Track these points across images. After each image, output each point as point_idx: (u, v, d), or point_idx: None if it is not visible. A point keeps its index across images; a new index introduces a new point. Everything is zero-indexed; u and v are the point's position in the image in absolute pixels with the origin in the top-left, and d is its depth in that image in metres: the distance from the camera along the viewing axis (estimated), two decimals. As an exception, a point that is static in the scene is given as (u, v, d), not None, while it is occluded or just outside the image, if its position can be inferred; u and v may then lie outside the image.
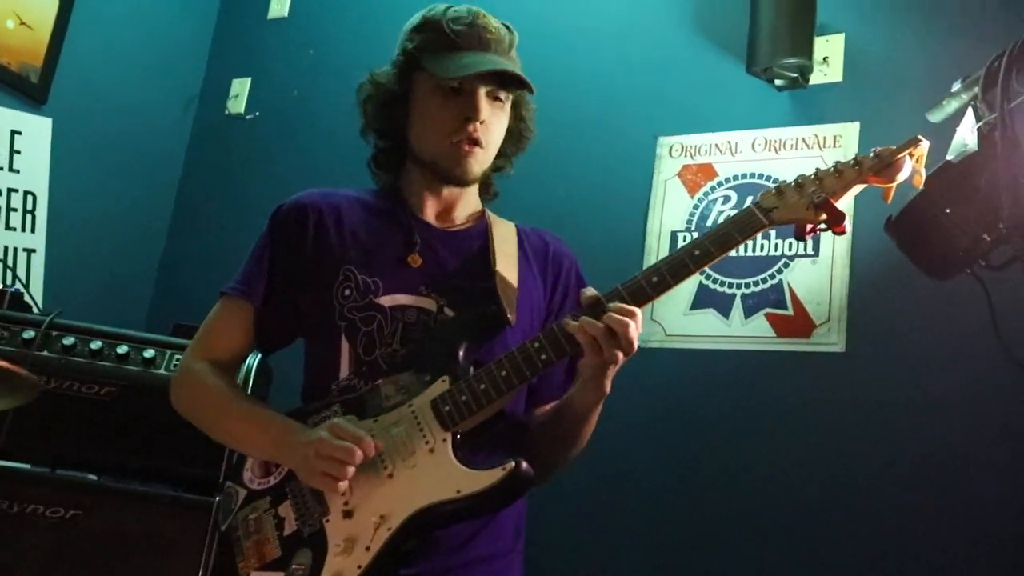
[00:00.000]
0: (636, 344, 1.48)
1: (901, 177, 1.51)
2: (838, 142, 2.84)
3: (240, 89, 3.94)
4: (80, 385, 2.31)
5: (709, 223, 2.95)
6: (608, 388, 1.56)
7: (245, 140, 3.88)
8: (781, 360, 2.75)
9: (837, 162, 1.54)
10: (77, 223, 3.50)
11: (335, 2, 3.89)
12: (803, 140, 2.90)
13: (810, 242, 2.80)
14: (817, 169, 1.55)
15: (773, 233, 2.87)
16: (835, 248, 2.76)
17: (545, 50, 3.30)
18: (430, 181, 1.74)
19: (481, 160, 1.71)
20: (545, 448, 1.68)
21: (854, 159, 1.53)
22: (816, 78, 2.91)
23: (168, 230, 3.90)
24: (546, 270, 1.78)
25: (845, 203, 1.52)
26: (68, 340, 2.34)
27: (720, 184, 2.98)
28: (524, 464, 1.47)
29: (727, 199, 2.95)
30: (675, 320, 2.92)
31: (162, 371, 2.34)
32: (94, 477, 2.33)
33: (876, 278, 2.67)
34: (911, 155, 1.51)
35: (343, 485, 1.49)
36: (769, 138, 2.95)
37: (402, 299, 1.65)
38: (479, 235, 1.76)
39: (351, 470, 1.48)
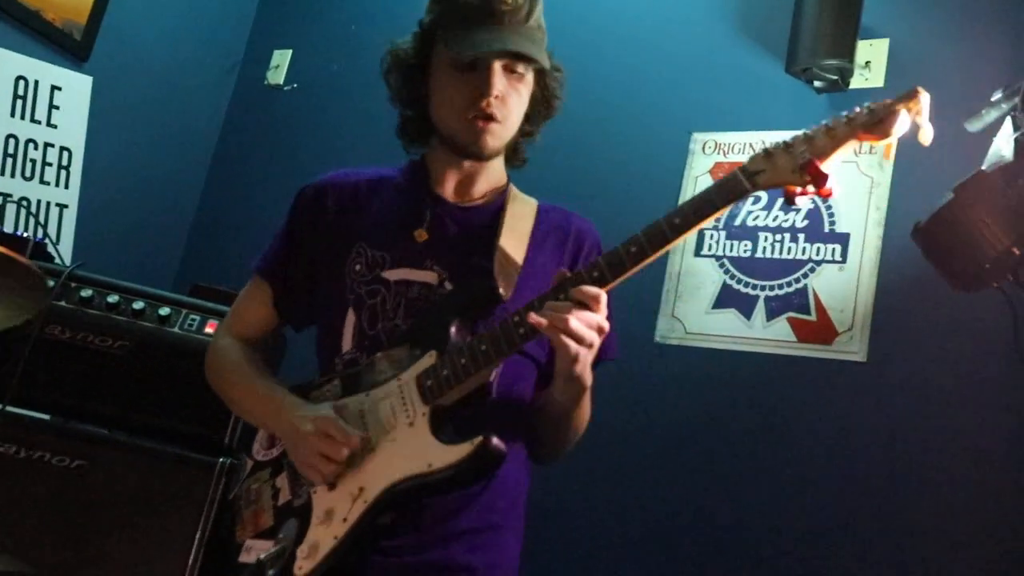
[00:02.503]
0: (604, 325, 1.45)
1: (898, 132, 1.41)
2: (874, 148, 2.79)
3: (281, 60, 3.96)
4: (94, 337, 2.33)
5: (737, 223, 2.92)
6: (589, 378, 1.54)
7: (282, 111, 3.89)
8: (800, 365, 2.71)
9: (829, 119, 1.43)
10: (111, 182, 3.53)
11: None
12: (839, 144, 2.84)
13: (839, 248, 2.76)
14: (807, 130, 1.45)
15: (802, 237, 2.83)
16: (863, 255, 2.71)
17: (585, 37, 3.28)
18: (450, 154, 1.73)
19: (498, 134, 1.67)
20: (548, 429, 1.67)
21: (846, 115, 1.42)
22: (856, 82, 2.86)
23: (201, 195, 3.94)
24: (564, 248, 1.75)
25: (835, 162, 1.42)
26: (86, 292, 2.36)
27: (751, 183, 2.93)
28: (494, 440, 1.45)
29: (757, 199, 2.91)
30: (696, 318, 2.89)
31: (176, 329, 2.35)
32: (103, 430, 2.35)
33: (902, 287, 2.62)
34: (908, 108, 1.41)
35: (329, 477, 1.53)
36: (804, 140, 2.90)
37: (407, 273, 1.66)
38: (492, 211, 1.74)
39: (336, 467, 1.52)
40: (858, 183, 2.78)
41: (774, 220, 2.87)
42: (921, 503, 2.45)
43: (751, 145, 2.98)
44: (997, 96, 2.15)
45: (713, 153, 3.03)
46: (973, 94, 2.31)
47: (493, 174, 1.77)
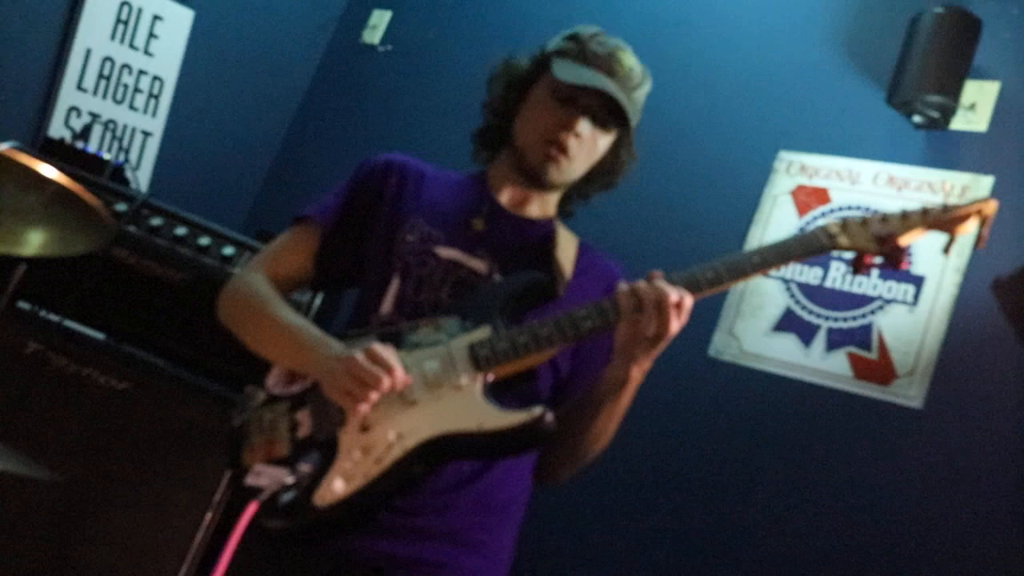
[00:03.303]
0: (674, 328, 1.51)
1: (964, 233, 1.56)
2: (966, 193, 2.70)
3: (379, 20, 3.96)
4: (157, 267, 2.37)
5: (811, 248, 2.84)
6: (637, 375, 1.59)
7: (374, 71, 3.90)
8: (854, 403, 2.63)
9: (904, 209, 1.60)
10: (197, 118, 3.59)
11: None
12: (929, 184, 2.76)
13: (912, 289, 2.68)
14: (885, 213, 1.61)
15: (875, 272, 2.75)
16: (936, 300, 2.63)
17: (688, 37, 3.23)
18: (515, 170, 1.78)
19: (564, 169, 1.73)
20: (567, 442, 1.66)
21: (923, 207, 1.59)
22: (958, 123, 2.76)
23: (281, 144, 3.97)
24: (597, 288, 1.75)
25: (910, 242, 1.57)
26: (156, 221, 2.40)
27: (832, 211, 2.87)
28: (551, 415, 1.47)
29: (836, 227, 2.83)
30: (755, 338, 2.83)
31: (237, 270, 2.38)
32: (153, 357, 2.39)
33: (971, 339, 2.53)
34: (979, 215, 1.56)
35: (364, 408, 1.49)
36: (893, 174, 2.82)
37: (458, 255, 1.70)
38: (542, 229, 1.79)
39: (375, 396, 1.48)
40: (943, 226, 2.69)
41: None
42: (955, 564, 2.38)
43: (837, 172, 2.90)
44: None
45: (797, 175, 2.96)
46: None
47: (548, 204, 1.83)
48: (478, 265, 1.70)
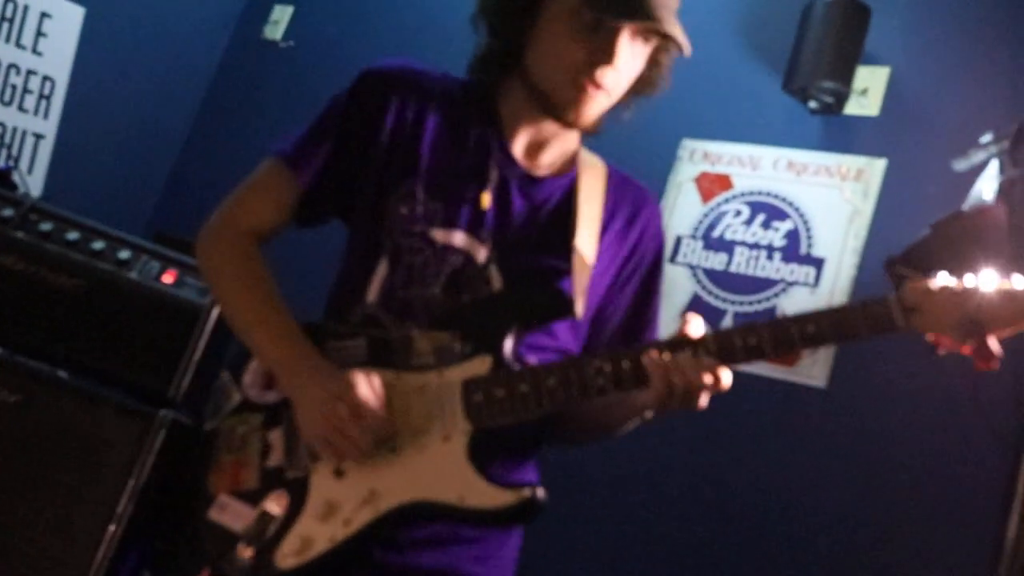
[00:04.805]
0: (704, 403, 1.33)
1: None
2: (861, 176, 2.77)
3: (281, 16, 3.90)
4: (48, 273, 2.28)
5: (715, 233, 2.89)
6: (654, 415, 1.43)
7: (276, 67, 3.84)
8: (760, 384, 2.68)
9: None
10: (93, 119, 3.48)
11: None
12: (826, 168, 2.82)
13: (813, 271, 2.74)
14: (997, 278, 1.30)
15: (778, 256, 2.80)
16: (836, 282, 2.69)
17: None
18: (533, 109, 1.49)
19: (601, 106, 1.47)
20: (571, 428, 1.54)
21: None
22: (851, 108, 2.83)
23: (184, 141, 3.88)
24: (628, 234, 1.56)
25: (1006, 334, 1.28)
26: (46, 226, 2.31)
27: (734, 197, 2.91)
28: (540, 493, 1.33)
29: (738, 213, 2.88)
30: (664, 324, 2.82)
31: (133, 274, 2.30)
32: (47, 367, 2.30)
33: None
34: None
35: (343, 459, 1.36)
36: (792, 159, 2.88)
37: (457, 238, 1.46)
38: (563, 189, 1.53)
39: (354, 451, 1.34)
40: (840, 209, 2.76)
41: (752, 235, 2.85)
42: (866, 541, 2.44)
43: (739, 159, 2.95)
44: (987, 139, 2.12)
45: (700, 162, 3.00)
46: (966, 133, 2.28)
47: (569, 141, 1.56)
48: (478, 251, 1.46)
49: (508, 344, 1.40)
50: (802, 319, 1.33)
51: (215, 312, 2.27)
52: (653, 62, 1.52)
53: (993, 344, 1.27)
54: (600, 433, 1.57)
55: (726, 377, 1.32)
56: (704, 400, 1.33)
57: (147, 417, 2.20)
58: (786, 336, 1.32)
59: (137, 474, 2.17)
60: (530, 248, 1.48)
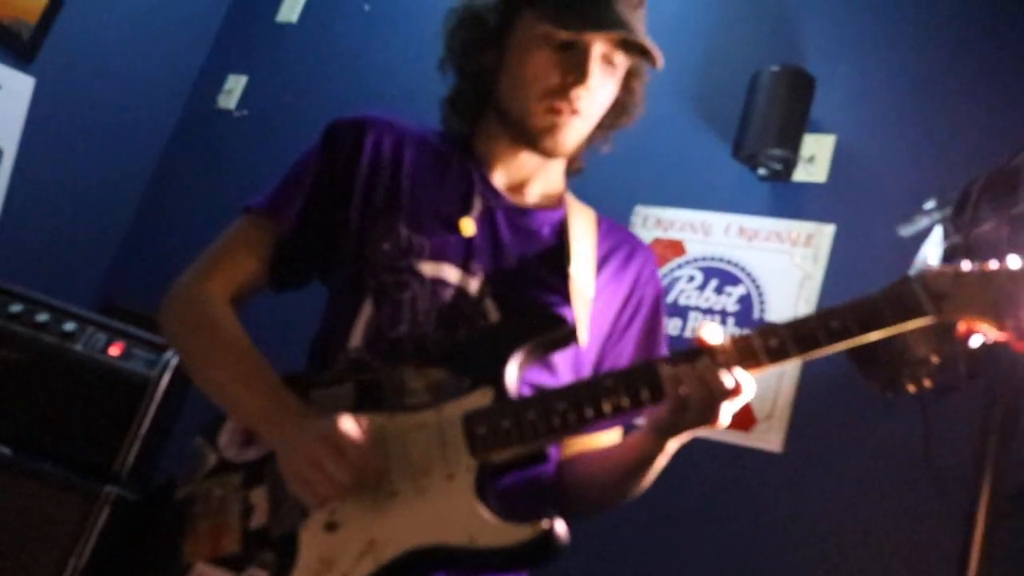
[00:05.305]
0: (726, 420, 1.24)
1: None
2: (811, 242, 2.81)
3: (235, 85, 3.90)
4: (-10, 346, 2.24)
5: (669, 299, 2.89)
6: (673, 448, 1.33)
7: (230, 136, 3.83)
8: (716, 450, 2.67)
9: None
10: (41, 189, 3.43)
11: (345, 14, 3.87)
12: (776, 233, 2.86)
13: (766, 336, 2.75)
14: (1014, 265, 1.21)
15: (731, 320, 2.81)
16: (789, 346, 2.71)
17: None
18: (510, 143, 1.46)
19: (578, 132, 1.43)
20: (586, 493, 1.47)
21: None
22: (799, 175, 2.88)
23: (136, 211, 3.84)
24: (623, 277, 1.52)
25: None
26: (-12, 298, 2.28)
27: (687, 262, 2.94)
28: (561, 526, 1.21)
29: (692, 278, 2.90)
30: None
31: (78, 347, 2.27)
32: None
33: (824, 383, 2.61)
34: None
35: (324, 500, 1.25)
36: (744, 225, 2.92)
37: (446, 271, 1.39)
38: (551, 221, 1.48)
39: (333, 489, 1.24)
40: (791, 274, 2.79)
41: (705, 301, 2.87)
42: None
43: (691, 225, 2.98)
44: (930, 205, 2.16)
45: (653, 228, 3.03)
46: (911, 199, 2.32)
47: (552, 176, 1.52)
48: (469, 283, 1.39)
49: (511, 373, 1.29)
50: (824, 315, 1.23)
51: (163, 384, 2.24)
52: (626, 88, 1.50)
53: None
54: (614, 492, 1.46)
55: (748, 384, 1.23)
56: (725, 415, 1.23)
57: (91, 493, 2.15)
58: (808, 333, 1.23)
59: (79, 553, 2.10)
60: (525, 279, 1.42)
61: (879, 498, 2.44)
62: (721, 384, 1.21)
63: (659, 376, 1.24)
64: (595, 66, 1.39)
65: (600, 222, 1.54)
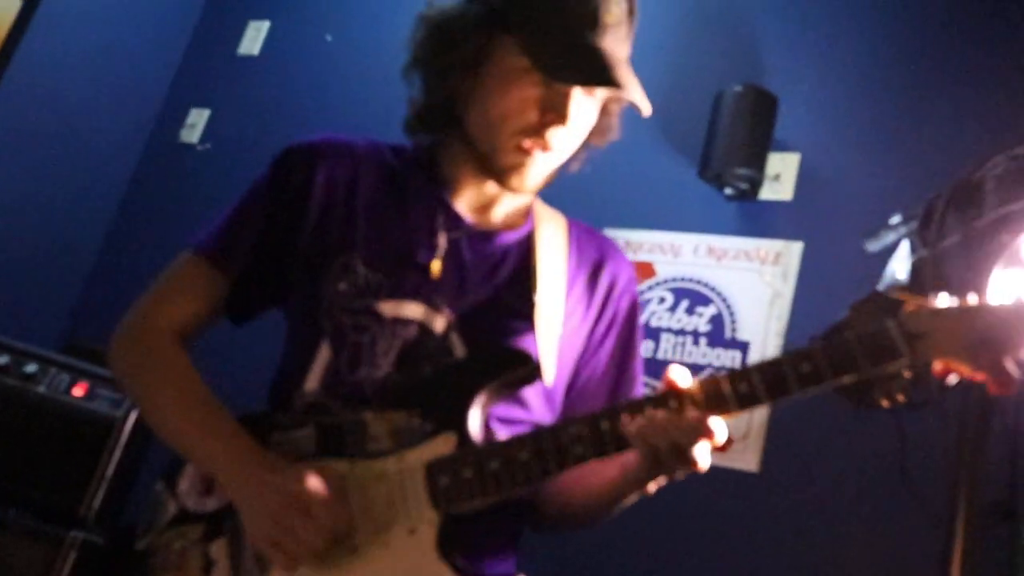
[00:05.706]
0: (705, 464, 1.20)
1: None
2: (779, 259, 2.81)
3: (197, 119, 3.88)
4: (-52, 391, 2.18)
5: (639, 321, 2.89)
6: (652, 489, 1.29)
7: (194, 170, 3.80)
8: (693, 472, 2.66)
9: None
10: (1, 226, 3.37)
11: (306, 46, 3.86)
12: (745, 252, 2.86)
13: (738, 355, 2.75)
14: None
15: (703, 341, 2.81)
16: (762, 364, 2.71)
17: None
18: (475, 170, 1.40)
19: (547, 169, 1.37)
20: (562, 511, 1.42)
21: None
22: (766, 193, 2.90)
23: (100, 248, 3.78)
24: (594, 291, 1.46)
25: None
26: (-53, 342, 2.22)
27: (657, 284, 2.93)
28: None
29: (662, 300, 2.90)
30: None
31: (41, 388, 2.22)
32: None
33: (798, 401, 2.61)
34: None
35: (295, 564, 1.21)
36: (712, 245, 2.92)
37: (408, 309, 1.33)
38: (518, 242, 1.42)
39: (304, 554, 1.20)
40: (761, 292, 2.79)
41: (677, 322, 2.86)
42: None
43: (660, 246, 2.98)
44: (896, 220, 2.18)
45: (623, 251, 3.02)
46: (877, 214, 2.34)
47: (518, 195, 1.45)
48: (434, 321, 1.32)
49: (474, 418, 1.25)
50: (796, 357, 1.18)
51: (129, 424, 2.19)
52: (604, 111, 1.45)
53: (1010, 366, 1.12)
54: (591, 513, 1.42)
55: (719, 429, 1.18)
56: (702, 458, 1.20)
57: (56, 539, 2.09)
58: (780, 378, 1.18)
59: (45, 601, 2.05)
60: (492, 310, 1.36)
61: (857, 514, 2.44)
62: (689, 434, 1.17)
63: (622, 431, 1.19)
64: (575, 103, 1.34)
65: (571, 229, 1.49)
